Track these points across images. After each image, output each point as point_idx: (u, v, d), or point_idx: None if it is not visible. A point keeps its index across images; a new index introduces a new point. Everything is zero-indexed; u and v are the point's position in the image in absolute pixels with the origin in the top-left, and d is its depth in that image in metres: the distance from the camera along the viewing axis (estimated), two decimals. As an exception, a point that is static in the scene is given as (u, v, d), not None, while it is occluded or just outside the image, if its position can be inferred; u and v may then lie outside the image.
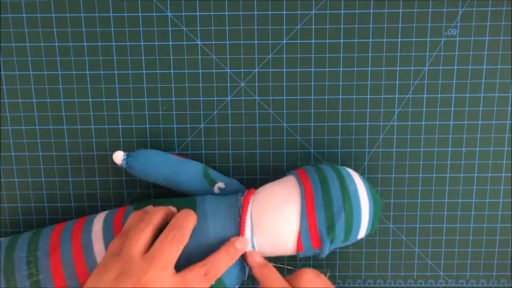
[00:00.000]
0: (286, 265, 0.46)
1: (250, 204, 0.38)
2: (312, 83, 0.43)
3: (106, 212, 0.40)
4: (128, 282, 0.32)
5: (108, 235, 0.38)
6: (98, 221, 0.39)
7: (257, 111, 0.43)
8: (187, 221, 0.36)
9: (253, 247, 0.37)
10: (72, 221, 0.41)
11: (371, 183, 0.44)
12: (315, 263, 0.46)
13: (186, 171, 0.41)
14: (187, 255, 0.36)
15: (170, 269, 0.34)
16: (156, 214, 0.36)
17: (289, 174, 0.40)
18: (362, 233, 0.38)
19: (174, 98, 0.43)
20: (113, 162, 0.40)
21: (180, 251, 0.34)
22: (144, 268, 0.33)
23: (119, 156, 0.39)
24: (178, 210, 0.38)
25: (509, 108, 0.43)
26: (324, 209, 0.36)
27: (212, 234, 0.37)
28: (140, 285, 0.32)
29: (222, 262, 0.35)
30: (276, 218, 0.37)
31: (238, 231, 0.37)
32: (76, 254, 0.37)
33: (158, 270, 0.33)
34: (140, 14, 0.41)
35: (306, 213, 0.36)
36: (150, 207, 0.38)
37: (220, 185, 0.41)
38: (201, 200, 0.39)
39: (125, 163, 0.40)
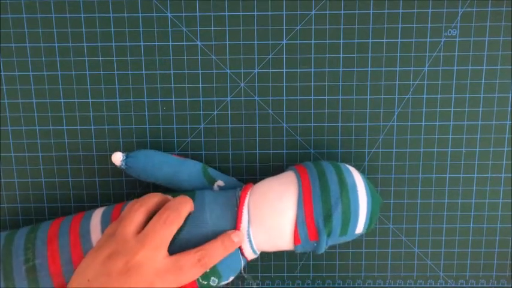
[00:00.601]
0: (286, 265, 0.46)
1: (247, 196, 0.38)
2: (312, 84, 0.43)
3: (105, 207, 0.41)
4: (120, 260, 0.32)
5: (107, 224, 0.38)
6: (97, 215, 0.39)
7: (257, 112, 0.43)
8: (182, 205, 0.36)
9: (249, 239, 0.37)
10: (72, 215, 0.41)
11: (371, 182, 0.44)
12: (315, 263, 0.46)
13: (185, 171, 0.41)
14: (184, 244, 0.36)
15: (163, 251, 0.34)
16: (151, 198, 0.36)
17: (288, 170, 0.40)
18: (360, 228, 0.38)
19: (174, 98, 0.43)
20: (113, 163, 0.40)
21: (173, 233, 0.34)
22: (136, 247, 0.33)
23: (117, 157, 0.39)
24: None
25: (509, 109, 0.43)
26: (321, 199, 0.36)
27: (210, 223, 0.37)
28: (131, 264, 0.32)
29: (217, 251, 0.35)
30: (273, 208, 0.37)
31: (235, 221, 0.37)
32: (73, 242, 0.37)
33: (150, 250, 0.33)
34: (140, 15, 0.41)
35: (303, 203, 0.36)
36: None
37: (220, 183, 0.41)
38: (200, 192, 0.39)
39: (124, 164, 0.40)
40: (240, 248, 0.37)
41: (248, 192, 0.38)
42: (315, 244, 0.37)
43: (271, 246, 0.38)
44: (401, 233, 0.45)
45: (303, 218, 0.36)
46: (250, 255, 0.38)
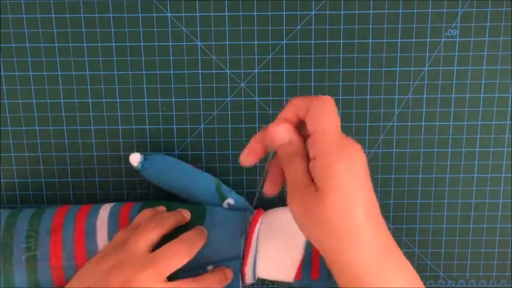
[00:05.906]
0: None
1: (259, 223, 0.38)
2: (312, 84, 0.43)
3: (112, 203, 0.41)
4: (122, 274, 0.32)
5: (114, 226, 0.38)
6: (104, 210, 0.39)
7: (257, 112, 0.43)
8: (198, 239, 0.36)
9: (253, 269, 0.38)
10: (78, 205, 0.40)
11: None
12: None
13: (200, 183, 0.41)
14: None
15: (163, 277, 0.34)
16: (169, 219, 0.36)
17: None
18: None
19: (174, 98, 0.43)
20: (113, 163, 0.40)
21: (181, 265, 0.34)
22: (142, 265, 0.33)
23: (135, 158, 0.40)
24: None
25: (509, 109, 0.43)
26: None
27: (217, 243, 0.37)
28: (131, 283, 0.32)
29: (213, 284, 0.36)
30: (281, 245, 0.37)
31: (244, 245, 0.38)
32: (78, 238, 0.37)
33: (154, 274, 0.33)
34: (140, 15, 0.41)
35: (312, 246, 0.37)
36: (162, 207, 0.39)
37: (230, 201, 0.42)
38: (211, 210, 0.39)
39: (140, 166, 0.40)
40: (242, 274, 0.38)
41: (260, 220, 0.38)
42: (314, 282, 0.38)
43: (271, 277, 0.39)
44: (401, 233, 0.45)
45: (310, 260, 0.37)
46: (250, 280, 0.39)
